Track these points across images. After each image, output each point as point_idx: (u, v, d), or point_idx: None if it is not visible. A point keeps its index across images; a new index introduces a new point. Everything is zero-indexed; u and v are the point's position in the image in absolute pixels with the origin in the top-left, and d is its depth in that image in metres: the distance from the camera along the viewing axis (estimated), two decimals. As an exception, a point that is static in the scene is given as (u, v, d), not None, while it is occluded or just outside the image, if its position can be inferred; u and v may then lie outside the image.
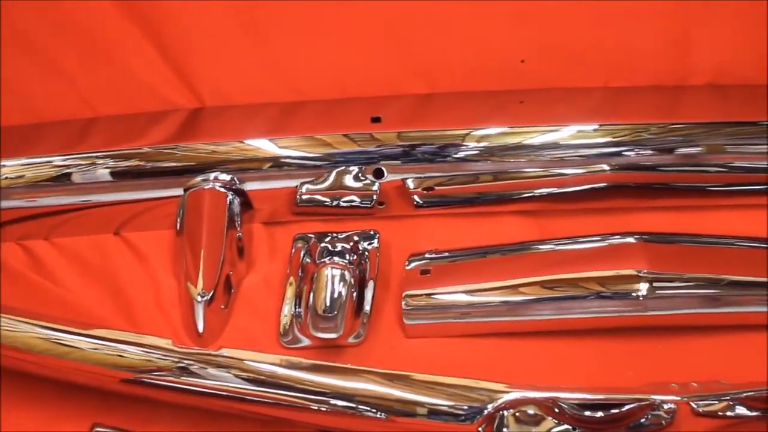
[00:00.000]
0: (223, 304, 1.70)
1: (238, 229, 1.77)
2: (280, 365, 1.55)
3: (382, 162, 1.78)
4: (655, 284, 1.62)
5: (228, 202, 1.77)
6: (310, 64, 1.88)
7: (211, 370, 1.54)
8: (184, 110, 1.89)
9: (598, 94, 1.88)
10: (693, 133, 1.79)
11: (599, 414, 1.45)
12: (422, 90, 1.89)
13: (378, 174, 1.78)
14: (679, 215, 1.83)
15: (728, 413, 1.46)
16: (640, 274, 1.62)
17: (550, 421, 1.47)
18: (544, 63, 1.86)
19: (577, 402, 1.45)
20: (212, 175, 1.78)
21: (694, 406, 1.45)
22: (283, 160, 1.79)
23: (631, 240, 1.69)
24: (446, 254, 1.74)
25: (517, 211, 1.83)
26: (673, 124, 1.80)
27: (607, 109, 1.85)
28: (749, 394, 1.46)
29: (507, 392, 1.46)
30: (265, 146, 1.80)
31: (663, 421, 1.46)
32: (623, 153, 1.78)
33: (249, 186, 1.79)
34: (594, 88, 1.89)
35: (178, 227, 1.77)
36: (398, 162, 1.78)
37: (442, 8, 1.83)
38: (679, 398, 1.45)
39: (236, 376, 1.54)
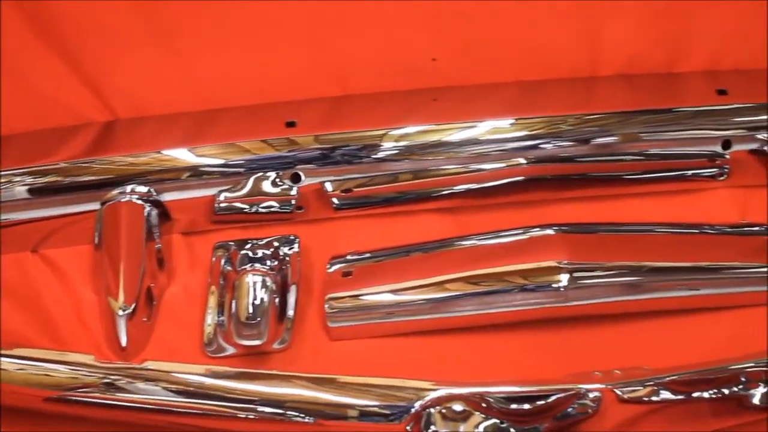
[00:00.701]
0: (145, 316, 1.68)
1: (157, 240, 1.76)
2: (206, 375, 1.54)
3: (298, 166, 1.77)
4: (575, 274, 1.63)
5: (146, 214, 1.75)
6: (223, 71, 1.87)
7: (139, 384, 1.53)
8: (98, 123, 1.87)
9: (511, 89, 1.89)
10: (608, 123, 1.81)
11: (526, 406, 1.46)
12: (336, 92, 1.88)
13: (295, 178, 1.77)
14: (597, 205, 1.84)
15: (653, 398, 1.48)
16: (561, 265, 1.64)
17: (477, 416, 1.47)
18: (455, 60, 1.87)
19: (503, 396, 1.46)
20: (129, 188, 1.76)
21: (619, 393, 1.47)
22: (199, 169, 1.77)
23: (550, 232, 1.70)
24: (367, 255, 1.74)
25: (437, 209, 1.84)
26: (588, 114, 1.82)
27: (521, 103, 1.86)
28: (672, 378, 1.48)
29: (433, 390, 1.47)
30: (180, 156, 1.78)
31: (589, 410, 1.47)
32: (540, 146, 1.80)
33: (166, 197, 1.78)
34: (507, 83, 1.90)
35: (96, 242, 1.75)
36: (315, 165, 1.77)
37: (352, 10, 1.83)
38: (603, 386, 1.47)
39: (164, 388, 1.53)
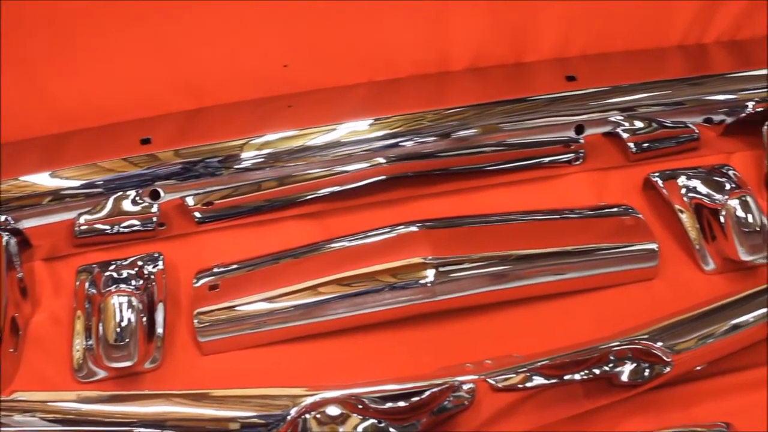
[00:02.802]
0: (11, 347, 1.65)
1: (18, 269, 1.72)
2: (80, 401, 1.51)
3: (157, 183, 1.75)
4: (441, 269, 1.65)
5: (4, 243, 1.71)
6: (75, 93, 1.85)
7: (15, 417, 1.49)
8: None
9: (365, 89, 1.90)
10: (465, 117, 1.83)
11: (402, 404, 1.46)
12: (190, 106, 1.87)
13: (154, 195, 1.76)
14: (459, 198, 1.86)
15: (526, 384, 1.49)
16: (426, 261, 1.65)
17: (355, 418, 1.47)
18: (307, 65, 1.87)
19: (378, 395, 1.46)
20: (-16, 219, 1.73)
21: (493, 383, 1.48)
22: (56, 193, 1.74)
23: (414, 229, 1.71)
24: (234, 266, 1.73)
25: (301, 215, 1.83)
26: (446, 109, 1.83)
27: (377, 103, 1.87)
28: (543, 363, 1.50)
29: (307, 396, 1.46)
30: (37, 181, 1.75)
31: (465, 402, 1.48)
32: (400, 144, 1.81)
33: (25, 224, 1.74)
34: (360, 84, 1.90)
35: (-45, 274, 1.71)
36: (174, 181, 1.76)
37: (199, 22, 1.82)
38: (476, 377, 1.47)
39: (40, 419, 1.49)
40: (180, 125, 1.84)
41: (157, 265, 1.73)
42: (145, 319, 1.64)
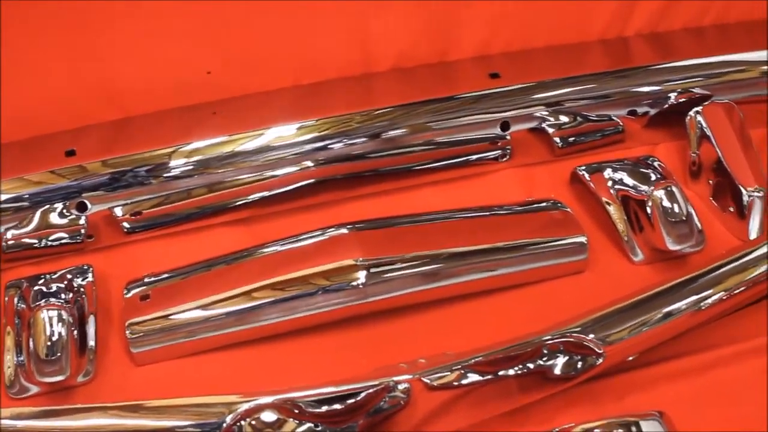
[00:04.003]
0: (-60, 366, 1.63)
1: (-55, 287, 1.71)
2: (13, 418, 1.48)
3: (84, 194, 1.74)
4: (372, 270, 1.65)
5: (-69, 262, 1.70)
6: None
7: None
8: None
9: (291, 93, 1.90)
10: (392, 117, 1.84)
11: (337, 406, 1.46)
12: (114, 116, 1.86)
13: (81, 207, 1.74)
14: (389, 199, 1.87)
15: (462, 381, 1.50)
16: (357, 263, 1.65)
17: (291, 423, 1.46)
18: (230, 71, 1.87)
19: (313, 399, 1.46)
20: None
21: (428, 381, 1.48)
22: (-20, 208, 1.73)
23: (344, 231, 1.71)
24: (165, 275, 1.72)
25: (231, 221, 1.83)
26: (373, 110, 1.84)
27: (304, 106, 1.87)
28: (477, 359, 1.50)
29: (242, 402, 1.45)
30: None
31: (401, 401, 1.48)
32: (329, 146, 1.81)
33: (-51, 242, 1.73)
34: (285, 89, 1.90)
35: None
36: (101, 192, 1.75)
37: (119, 31, 1.81)
38: (411, 377, 1.47)
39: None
40: (104, 136, 1.83)
41: (86, 278, 1.71)
42: (76, 332, 1.62)
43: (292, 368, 1.64)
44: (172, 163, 1.77)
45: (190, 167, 1.78)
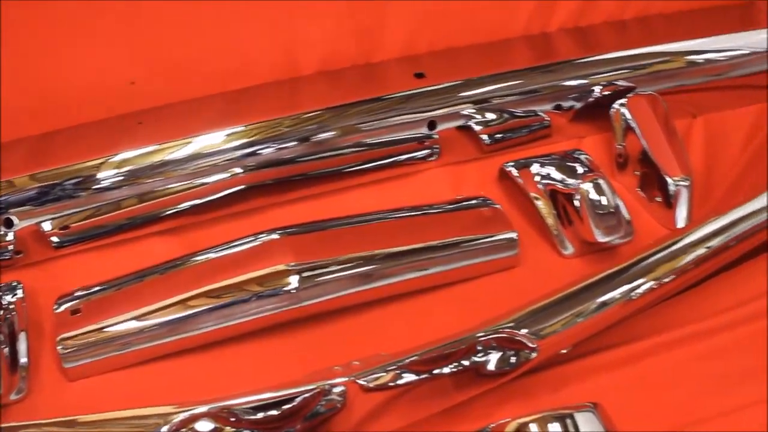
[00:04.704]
0: None
1: None
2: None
3: (10, 210, 1.72)
4: (305, 275, 1.65)
5: None
6: None
7: None
8: None
9: (217, 100, 1.89)
10: (322, 120, 1.84)
11: (273, 412, 1.45)
12: (37, 130, 1.83)
13: (8, 224, 1.72)
14: (320, 202, 1.87)
15: (397, 382, 1.50)
16: (289, 268, 1.65)
17: (228, 431, 1.46)
18: (154, 81, 1.85)
19: (249, 406, 1.45)
20: None
21: (363, 383, 1.48)
22: None
23: (275, 236, 1.71)
24: (96, 288, 1.71)
25: (161, 231, 1.82)
26: (304, 114, 1.83)
27: (232, 112, 1.86)
28: (412, 359, 1.50)
29: (178, 413, 1.45)
30: None
31: (337, 404, 1.48)
32: (259, 152, 1.80)
33: None
34: (213, 96, 1.89)
35: None
36: (27, 207, 1.73)
37: (39, 42, 1.79)
38: (346, 379, 1.48)
39: None
40: (29, 150, 1.80)
41: (16, 294, 1.69)
42: (7, 349, 1.61)
43: (228, 376, 1.64)
44: (100, 174, 1.76)
45: (119, 178, 1.76)
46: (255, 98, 1.89)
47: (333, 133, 1.83)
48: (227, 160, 1.80)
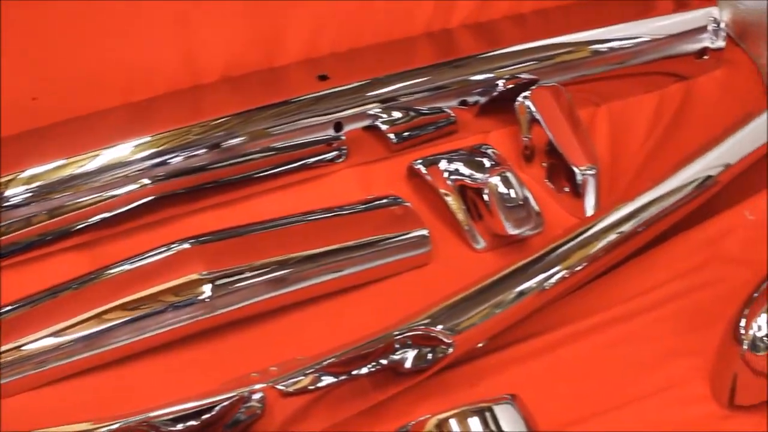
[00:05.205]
0: None
1: None
2: None
3: None
4: (218, 283, 1.64)
5: None
6: None
7: None
8: None
9: (124, 111, 1.87)
10: (232, 125, 1.83)
11: (192, 423, 1.45)
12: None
13: None
14: (231, 209, 1.85)
15: (317, 384, 1.51)
16: (202, 277, 1.64)
17: (148, 445, 1.46)
18: (57, 96, 1.83)
19: (168, 418, 1.45)
20: None
21: (282, 388, 1.48)
22: None
23: (186, 246, 1.70)
24: (8, 308, 1.68)
25: (72, 246, 1.79)
26: (214, 120, 1.83)
27: (139, 123, 1.84)
28: (330, 361, 1.51)
29: (94, 429, 1.44)
30: None
31: (257, 411, 1.48)
32: (168, 161, 1.79)
33: None
34: (117, 108, 1.87)
35: None
36: (-69, 231, 1.71)
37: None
38: (264, 385, 1.48)
39: None
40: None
41: (-72, 319, 1.67)
42: None
43: (147, 388, 1.62)
44: (8, 192, 1.73)
45: (27, 195, 1.74)
46: (159, 108, 1.87)
47: (241, 138, 1.83)
48: (137, 170, 1.78)
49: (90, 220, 1.79)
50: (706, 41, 2.12)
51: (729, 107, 2.09)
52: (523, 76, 1.98)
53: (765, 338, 1.52)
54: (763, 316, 1.53)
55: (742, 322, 1.54)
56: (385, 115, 1.89)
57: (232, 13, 1.88)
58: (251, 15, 1.89)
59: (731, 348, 1.54)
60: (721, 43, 2.13)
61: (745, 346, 1.52)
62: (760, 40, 2.14)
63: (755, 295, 1.56)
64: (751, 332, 1.52)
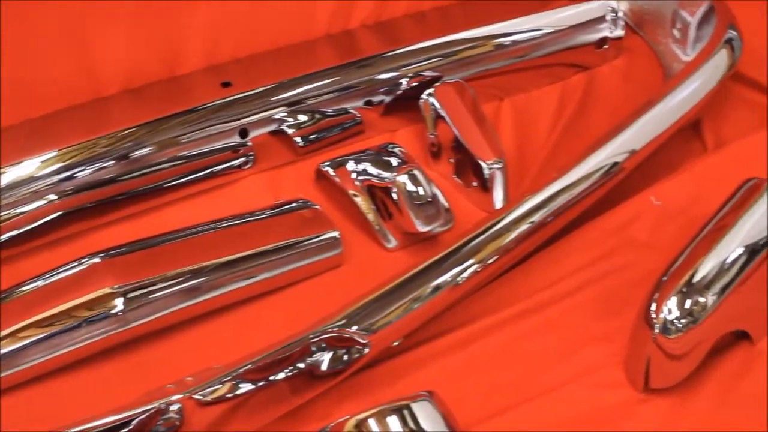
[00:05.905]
0: None
1: None
2: None
3: None
4: (129, 296, 1.63)
5: None
6: None
7: None
8: None
9: (24, 127, 1.85)
10: (138, 136, 1.82)
11: (111, 437, 1.44)
12: None
13: None
14: (141, 221, 1.84)
15: (236, 392, 1.50)
16: (113, 291, 1.63)
17: (65, 459, 1.44)
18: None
19: (82, 433, 1.44)
20: None
21: (199, 398, 1.47)
22: None
23: (96, 260, 1.68)
24: None
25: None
26: (121, 131, 1.81)
27: (40, 138, 1.82)
28: (246, 368, 1.51)
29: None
30: None
31: (176, 422, 1.47)
32: (75, 175, 1.77)
33: None
34: (17, 125, 1.84)
35: None
36: None
37: None
38: (181, 396, 1.47)
39: None
40: None
41: None
42: None
43: (62, 406, 1.60)
44: None
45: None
46: (61, 123, 1.85)
47: (149, 149, 1.82)
48: (45, 186, 1.76)
49: (-1, 238, 1.76)
50: (605, 31, 2.15)
51: (631, 94, 2.12)
52: (426, 73, 1.99)
53: (675, 321, 1.54)
54: (673, 299, 1.55)
55: (653, 306, 1.56)
56: (290, 119, 1.89)
57: (127, 22, 1.86)
58: (147, 23, 1.87)
59: (643, 332, 1.56)
60: (620, 32, 2.16)
61: (657, 330, 1.54)
62: (658, 28, 2.18)
63: (664, 278, 1.58)
64: (661, 315, 1.54)
